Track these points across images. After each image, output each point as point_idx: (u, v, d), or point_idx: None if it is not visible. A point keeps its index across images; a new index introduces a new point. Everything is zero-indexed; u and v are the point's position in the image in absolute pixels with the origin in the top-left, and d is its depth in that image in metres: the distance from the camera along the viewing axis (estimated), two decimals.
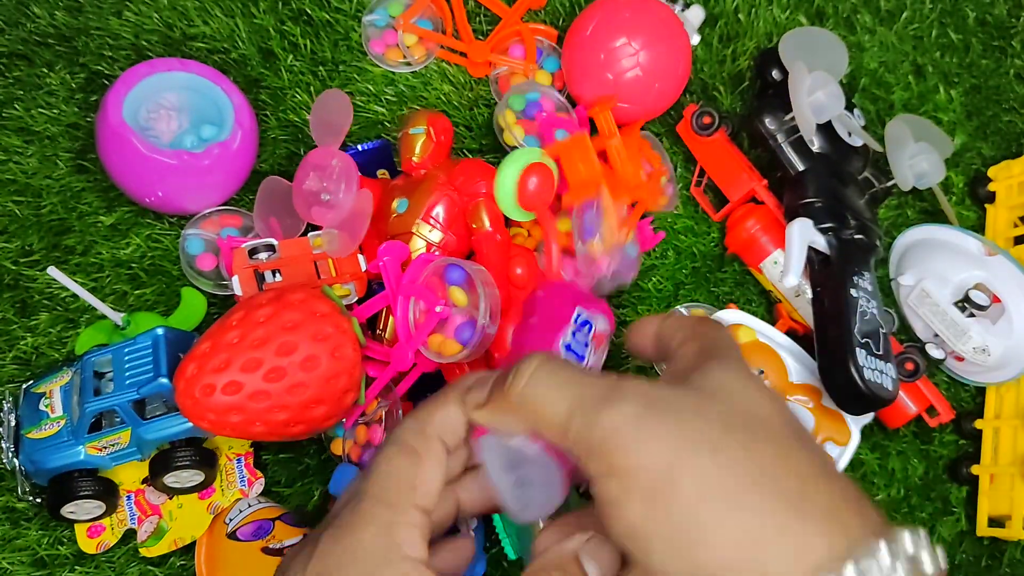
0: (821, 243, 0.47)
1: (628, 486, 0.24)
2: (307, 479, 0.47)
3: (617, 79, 0.49)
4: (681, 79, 0.51)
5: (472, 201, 0.46)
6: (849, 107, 0.52)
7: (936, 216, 0.55)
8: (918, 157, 0.51)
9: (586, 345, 0.42)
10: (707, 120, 0.52)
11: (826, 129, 0.50)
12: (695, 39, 0.56)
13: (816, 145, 0.50)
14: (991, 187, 0.54)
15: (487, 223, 0.46)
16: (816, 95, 0.49)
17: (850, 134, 0.51)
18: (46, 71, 0.52)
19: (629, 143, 0.50)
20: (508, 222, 0.48)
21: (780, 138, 0.50)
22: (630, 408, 0.24)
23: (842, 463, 0.46)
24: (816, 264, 0.48)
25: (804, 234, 0.47)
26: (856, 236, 0.48)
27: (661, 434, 0.24)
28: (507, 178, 0.45)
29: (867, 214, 0.50)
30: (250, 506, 0.45)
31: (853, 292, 0.46)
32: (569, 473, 0.29)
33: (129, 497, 0.45)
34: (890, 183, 0.51)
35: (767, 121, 0.50)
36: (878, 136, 0.52)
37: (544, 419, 0.26)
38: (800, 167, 0.50)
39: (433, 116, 0.49)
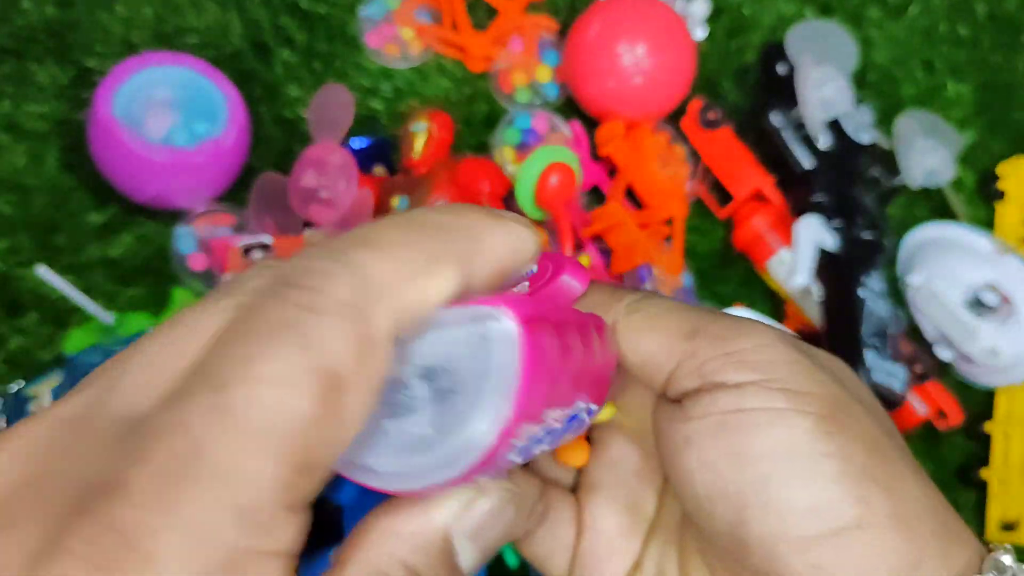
0: (829, 242, 0.47)
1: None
2: None
3: (620, 86, 0.49)
4: (685, 84, 0.50)
5: (474, 200, 0.46)
6: (858, 101, 0.52)
7: (946, 214, 0.54)
8: (927, 154, 0.50)
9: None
10: (713, 115, 0.51)
11: (834, 126, 0.49)
12: (700, 33, 0.55)
13: (824, 142, 0.49)
14: (1000, 185, 0.54)
15: None
16: (824, 90, 0.48)
17: (858, 131, 0.50)
18: (36, 66, 0.51)
19: (640, 146, 0.49)
20: None
21: (787, 134, 0.49)
22: None
23: None
24: (824, 263, 0.47)
25: (812, 233, 0.46)
26: (865, 235, 0.47)
27: None
28: (528, 175, 0.45)
29: (876, 212, 0.49)
30: None
31: (861, 292, 0.45)
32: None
33: None
34: (899, 181, 0.51)
35: (772, 117, 0.50)
36: (886, 133, 0.51)
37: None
38: (808, 164, 0.49)
39: (434, 113, 0.48)
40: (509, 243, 0.16)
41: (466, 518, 0.16)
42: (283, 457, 0.13)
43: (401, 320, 0.14)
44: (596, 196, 0.52)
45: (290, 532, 0.13)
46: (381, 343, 0.14)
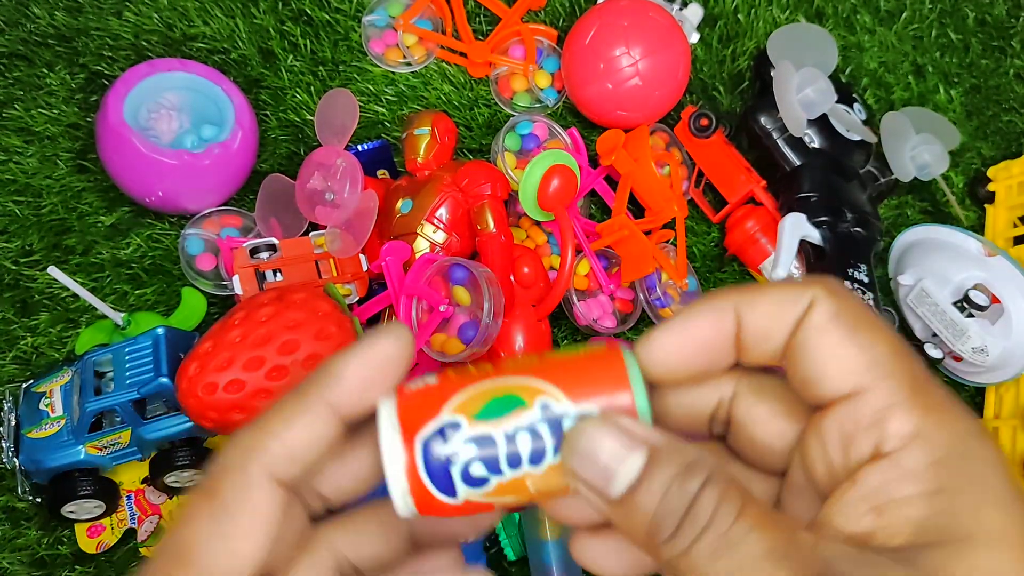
0: (815, 236, 0.47)
1: None
2: None
3: (617, 88, 0.50)
4: (680, 85, 0.51)
5: (477, 202, 0.46)
6: (850, 101, 0.52)
7: (936, 216, 0.55)
8: (920, 148, 0.51)
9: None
10: (704, 122, 0.51)
11: (823, 124, 0.50)
12: (694, 37, 0.56)
13: (815, 141, 0.50)
14: (991, 187, 0.54)
15: (491, 224, 0.46)
16: (805, 92, 0.49)
17: (848, 128, 0.51)
18: (46, 71, 0.52)
19: (638, 148, 0.50)
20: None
21: (775, 136, 0.50)
22: None
23: None
24: (811, 257, 0.48)
25: (796, 228, 0.47)
26: (854, 229, 0.48)
27: None
28: (531, 178, 0.46)
29: (868, 208, 0.50)
30: None
31: (848, 285, 0.46)
32: None
33: (129, 497, 0.45)
34: (894, 176, 0.51)
35: (762, 120, 0.50)
36: (879, 133, 0.52)
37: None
38: (796, 163, 0.50)
39: (437, 117, 0.49)
40: (368, 365, 0.22)
41: None
42: (191, 564, 0.20)
43: (279, 465, 0.21)
44: (596, 202, 0.53)
45: None
46: (256, 487, 0.21)
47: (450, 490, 0.21)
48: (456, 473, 0.21)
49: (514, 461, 0.21)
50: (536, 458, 0.21)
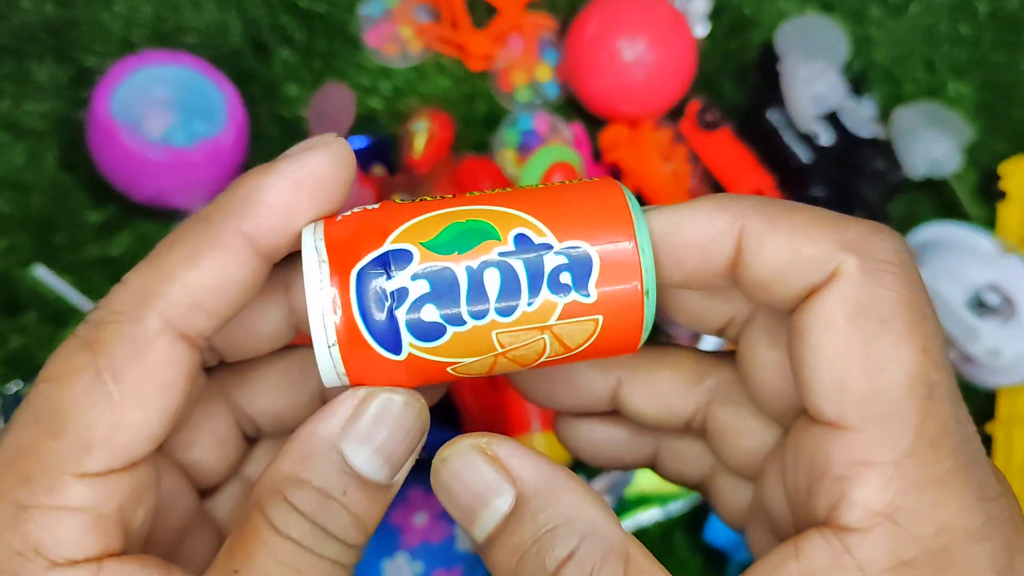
0: None
1: None
2: None
3: (620, 81, 0.49)
4: (686, 77, 0.50)
5: None
6: (859, 96, 0.52)
7: (949, 213, 0.54)
8: (931, 144, 0.50)
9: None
10: (710, 117, 0.51)
11: (832, 120, 0.49)
12: (701, 30, 0.55)
13: (822, 137, 0.49)
14: (1002, 184, 0.54)
15: None
16: (815, 86, 0.48)
17: (859, 125, 0.50)
18: (35, 65, 0.51)
19: (643, 143, 0.49)
20: None
21: (782, 132, 0.49)
22: None
23: None
24: None
25: None
26: None
27: None
28: (531, 174, 0.45)
29: (878, 205, 0.49)
30: None
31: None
32: None
33: None
34: (903, 174, 0.51)
35: (771, 115, 0.50)
36: (888, 128, 0.51)
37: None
38: (805, 160, 0.49)
39: (435, 112, 0.48)
40: (294, 185, 0.17)
41: (353, 425, 0.17)
42: (66, 434, 0.16)
43: (182, 314, 0.17)
44: None
45: (82, 492, 0.16)
46: (152, 342, 0.17)
47: (392, 341, 0.16)
48: (401, 317, 0.16)
49: (479, 305, 0.16)
50: (506, 305, 0.16)
